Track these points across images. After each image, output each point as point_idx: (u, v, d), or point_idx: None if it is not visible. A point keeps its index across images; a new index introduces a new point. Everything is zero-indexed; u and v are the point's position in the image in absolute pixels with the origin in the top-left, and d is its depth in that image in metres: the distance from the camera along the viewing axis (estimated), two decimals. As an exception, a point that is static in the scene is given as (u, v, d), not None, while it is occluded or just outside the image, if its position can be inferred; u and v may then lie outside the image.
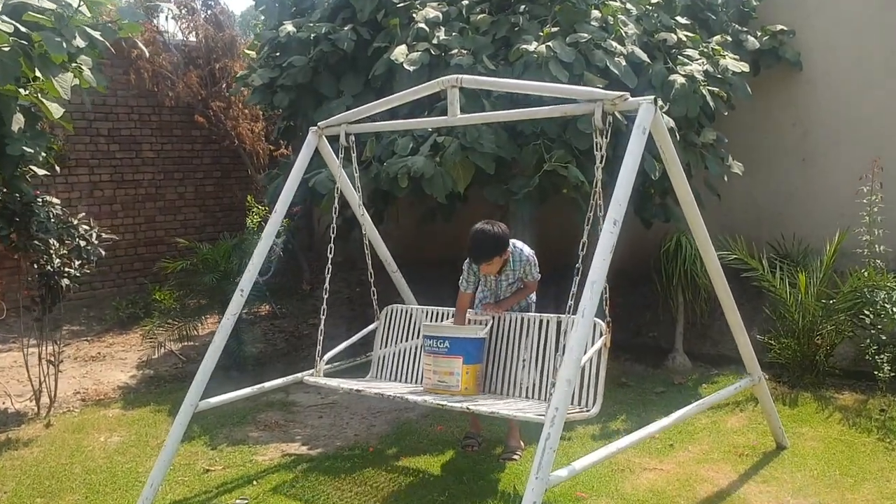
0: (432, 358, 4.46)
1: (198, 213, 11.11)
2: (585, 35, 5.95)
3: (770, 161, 7.81)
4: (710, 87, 6.31)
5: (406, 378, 5.04)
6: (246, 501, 4.33)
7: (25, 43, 4.75)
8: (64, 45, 4.74)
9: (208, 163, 11.20)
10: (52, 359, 6.17)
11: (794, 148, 7.70)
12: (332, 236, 5.05)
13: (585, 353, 4.00)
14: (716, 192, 6.91)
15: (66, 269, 5.98)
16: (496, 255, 4.61)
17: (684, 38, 6.71)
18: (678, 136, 6.00)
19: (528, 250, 4.82)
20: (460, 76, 4.23)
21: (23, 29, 4.67)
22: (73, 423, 5.89)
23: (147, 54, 6.33)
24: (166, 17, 10.56)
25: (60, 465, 5.01)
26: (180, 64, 10.15)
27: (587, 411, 4.00)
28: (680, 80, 6.20)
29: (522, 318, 4.65)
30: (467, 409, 3.87)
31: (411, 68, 6.07)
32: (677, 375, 6.54)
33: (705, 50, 6.72)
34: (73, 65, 5.61)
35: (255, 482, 4.64)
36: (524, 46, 5.86)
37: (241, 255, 7.29)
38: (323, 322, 4.85)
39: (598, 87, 5.66)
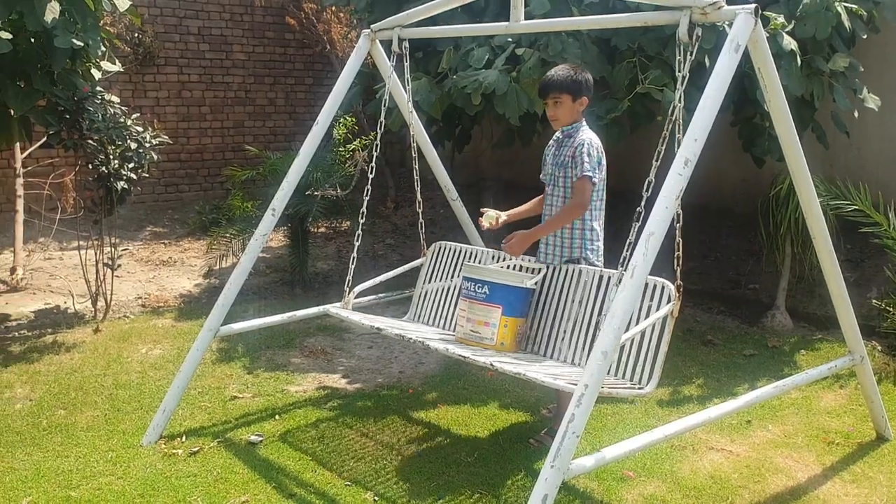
0: (468, 304, 3.84)
1: (288, 121, 10.79)
2: (698, -67, 5.03)
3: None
4: (847, 4, 5.28)
5: (447, 322, 4.43)
6: (260, 439, 4.00)
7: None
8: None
9: (300, 68, 10.80)
10: (109, 262, 6.02)
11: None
12: (376, 154, 4.54)
13: (647, 318, 3.38)
14: (844, 130, 5.92)
15: (122, 172, 5.73)
16: (566, 90, 3.77)
17: (824, -56, 5.63)
18: (799, 61, 5.06)
19: (593, 135, 3.87)
20: (526, -27, 3.55)
21: None
22: (122, 331, 5.75)
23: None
24: None
25: (93, 376, 4.86)
26: (274, -39, 9.68)
27: (639, 389, 3.36)
28: (811, -7, 5.20)
29: (579, 271, 3.87)
30: (491, 365, 3.30)
31: (495, -32, 5.36)
32: (773, 337, 5.74)
33: (849, -42, 5.63)
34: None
35: (277, 416, 4.32)
36: (622, -55, 5.01)
37: (314, 167, 6.91)
38: (356, 249, 4.39)
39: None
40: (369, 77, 6.69)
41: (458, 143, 7.58)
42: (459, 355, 3.42)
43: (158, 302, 6.56)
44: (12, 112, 5.45)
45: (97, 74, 5.81)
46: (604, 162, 3.85)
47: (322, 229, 8.63)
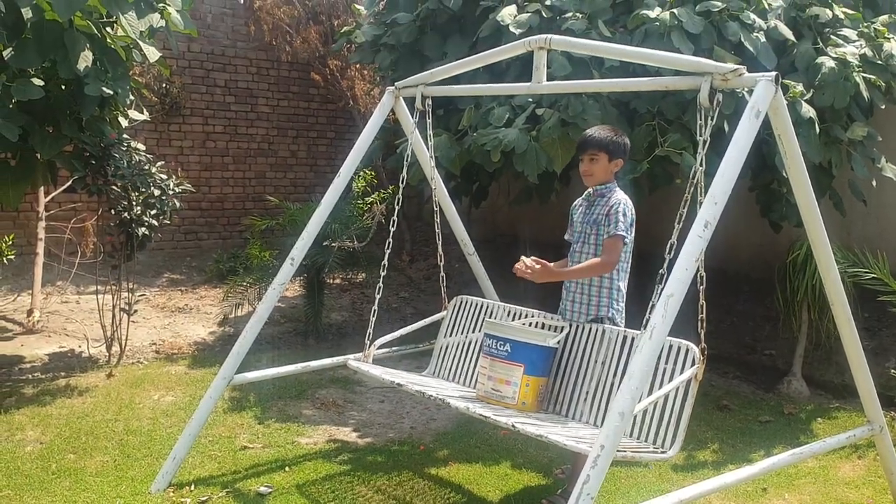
0: (489, 361, 3.83)
1: (308, 174, 10.94)
2: (719, 4, 5.14)
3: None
4: (865, 75, 5.34)
5: (467, 378, 4.40)
6: (269, 490, 3.96)
7: (97, -23, 4.50)
8: (132, -20, 4.44)
9: (323, 122, 11.00)
10: (126, 307, 6.06)
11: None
12: (397, 208, 4.59)
13: (671, 381, 3.37)
14: (861, 198, 5.93)
15: (144, 219, 5.80)
16: (604, 149, 3.82)
17: (841, 16, 5.73)
18: (818, 129, 5.11)
19: (626, 197, 3.89)
20: (550, 36, 3.64)
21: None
22: (135, 377, 5.75)
23: None
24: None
25: (104, 421, 4.85)
26: (301, 18, 9.92)
27: (661, 452, 3.32)
28: (829, 63, 5.27)
29: (602, 331, 3.87)
30: (512, 426, 3.28)
31: (517, 31, 5.47)
32: (790, 404, 5.67)
33: (866, 31, 5.71)
34: (161, 6, 5.37)
35: (287, 468, 4.28)
36: (645, 12, 5.13)
37: (332, 218, 6.98)
38: (376, 302, 4.40)
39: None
40: (390, 132, 6.79)
41: (475, 198, 7.65)
42: (481, 415, 3.40)
43: (173, 349, 6.57)
44: (39, 156, 5.56)
45: (124, 122, 5.94)
46: (634, 224, 3.87)
47: (337, 281, 8.66)
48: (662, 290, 2.82)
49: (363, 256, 7.95)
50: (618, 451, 2.77)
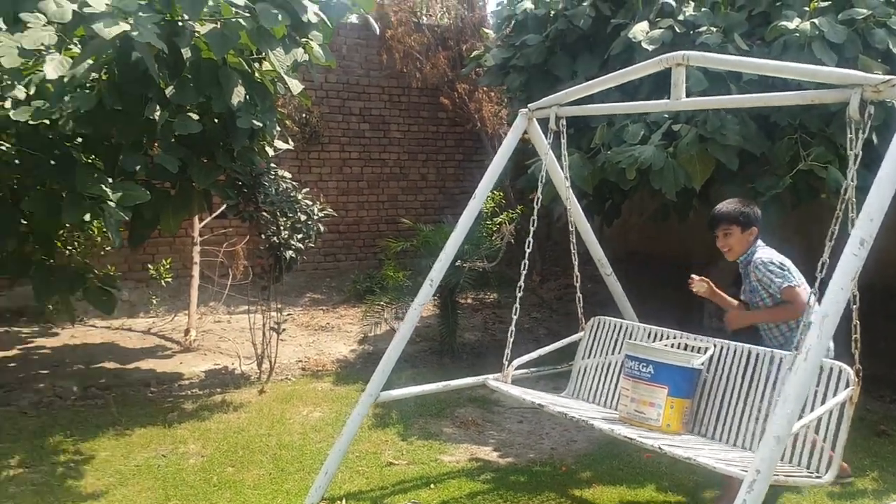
0: (632, 383, 3.84)
1: (438, 195, 11.17)
2: (863, 11, 4.92)
3: None
4: None
5: (608, 399, 4.40)
6: (416, 506, 4.08)
7: (248, 15, 4.80)
8: (280, 17, 4.72)
9: (451, 145, 11.21)
10: (275, 327, 6.39)
11: None
12: (532, 229, 4.62)
13: (823, 404, 3.26)
14: None
15: (291, 242, 6.12)
16: (734, 222, 3.97)
17: None
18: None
19: (766, 253, 3.93)
20: (687, 53, 3.61)
21: (244, 2, 4.70)
22: (284, 393, 6.04)
23: (377, 30, 6.28)
24: (421, -1, 10.66)
25: (258, 436, 5.12)
26: (431, 45, 10.18)
27: (816, 477, 3.21)
28: None
29: (749, 352, 3.82)
30: (659, 448, 3.25)
31: (650, 47, 5.44)
32: (957, 429, 5.30)
33: None
34: (304, 40, 5.65)
35: (433, 485, 4.38)
36: (783, 23, 4.97)
37: (463, 239, 7.10)
38: (514, 322, 4.46)
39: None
40: (519, 152, 6.86)
41: (607, 217, 7.59)
42: (626, 437, 3.40)
43: (317, 366, 6.86)
44: (196, 186, 5.97)
45: (271, 152, 6.29)
46: (786, 266, 3.90)
47: (469, 300, 8.79)
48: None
49: (493, 276, 8.04)
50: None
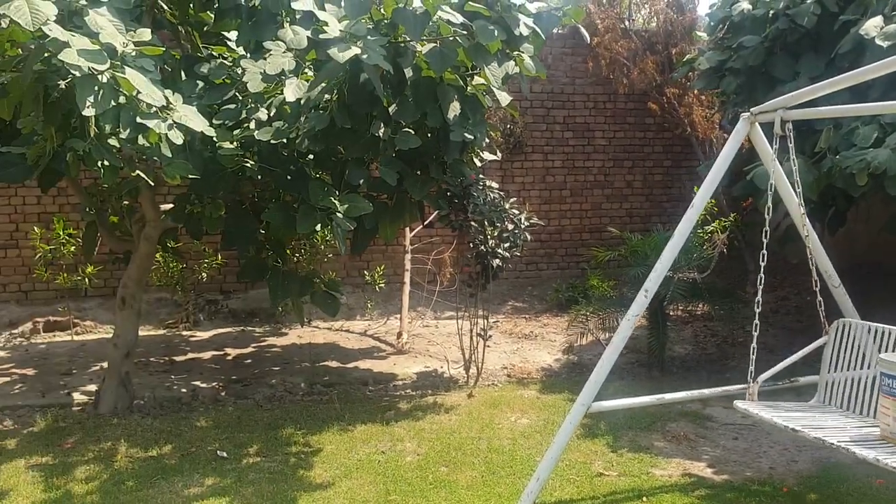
0: (891, 401, 3.65)
1: (644, 203, 10.93)
2: None
3: None
4: None
5: (861, 408, 4.22)
6: (629, 518, 4.02)
7: (465, 33, 4.98)
8: (496, 33, 4.84)
9: (659, 151, 10.94)
10: (482, 333, 6.54)
11: None
12: (765, 241, 4.39)
13: None
14: None
15: (498, 251, 6.25)
16: None
17: None
18: None
19: None
20: (938, 47, 3.30)
21: (461, 20, 4.87)
22: (492, 398, 6.18)
23: (587, 38, 6.25)
24: (628, 4, 10.49)
25: (469, 438, 5.27)
26: (638, 50, 10.00)
27: None
28: None
29: None
30: None
31: (885, 43, 5.06)
32: None
33: None
34: (515, 53, 5.76)
35: (644, 498, 4.31)
36: None
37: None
38: (755, 339, 4.27)
39: None
40: (735, 158, 6.58)
41: (830, 225, 7.09)
42: (893, 468, 3.25)
43: (522, 373, 6.94)
44: (411, 197, 6.25)
45: (478, 163, 6.47)
46: None
47: (678, 312, 8.52)
48: None
49: (704, 288, 7.73)
50: None
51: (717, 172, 4.32)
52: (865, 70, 3.69)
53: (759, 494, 4.36)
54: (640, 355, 7.29)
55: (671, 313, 7.96)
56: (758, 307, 4.31)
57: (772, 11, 6.16)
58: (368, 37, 4.65)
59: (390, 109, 5.26)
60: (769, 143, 4.35)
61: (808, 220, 4.71)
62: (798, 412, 4.21)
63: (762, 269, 4.29)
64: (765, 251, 4.33)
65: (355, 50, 4.49)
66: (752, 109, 4.40)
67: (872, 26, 5.22)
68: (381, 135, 5.21)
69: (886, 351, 4.16)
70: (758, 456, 4.97)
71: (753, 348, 4.28)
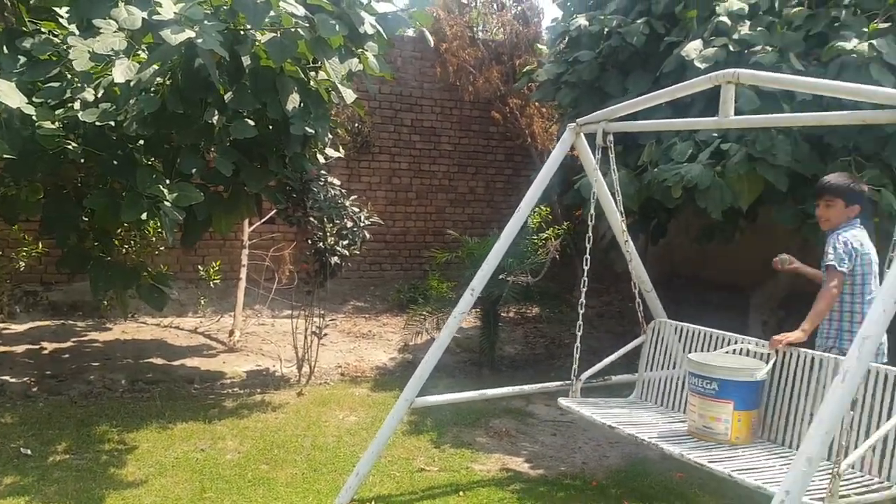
0: (698, 399, 3.93)
1: (485, 209, 11.21)
2: (925, 32, 4.85)
3: None
4: None
5: (674, 404, 4.53)
6: (445, 512, 4.10)
7: (307, 25, 4.93)
8: (338, 27, 4.83)
9: (501, 159, 11.26)
10: (317, 331, 6.48)
11: None
12: (588, 247, 4.62)
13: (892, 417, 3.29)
14: None
15: (337, 248, 6.21)
16: (841, 195, 3.97)
17: None
18: None
19: (852, 233, 3.93)
20: (738, 70, 3.60)
21: (304, 12, 4.83)
22: (322, 396, 6.13)
23: (432, 43, 6.39)
24: (477, 13, 10.74)
25: (294, 436, 5.20)
26: (485, 59, 10.26)
27: (887, 487, 3.21)
28: None
29: (813, 357, 3.86)
30: (730, 476, 3.34)
31: (703, 65, 5.41)
32: None
33: None
34: (360, 51, 5.76)
35: (461, 492, 4.40)
36: (840, 44, 4.92)
37: (507, 253, 7.11)
38: (578, 339, 4.50)
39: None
40: (567, 168, 6.87)
41: (652, 236, 7.55)
42: (696, 462, 3.51)
43: (356, 372, 6.93)
44: (248, 190, 6.10)
45: (322, 159, 6.41)
46: (861, 255, 3.91)
47: (511, 314, 8.79)
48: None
49: (537, 291, 8.02)
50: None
51: (542, 180, 4.50)
52: (677, 88, 3.95)
53: (569, 488, 4.56)
54: (472, 355, 7.46)
55: (504, 315, 8.21)
56: (581, 309, 4.53)
57: (606, 29, 6.47)
58: (206, 21, 4.51)
59: (227, 97, 5.12)
60: (593, 154, 4.57)
61: (627, 229, 4.99)
62: (615, 408, 4.45)
63: (585, 274, 4.50)
64: (587, 256, 4.55)
65: (189, 33, 4.34)
66: (577, 120, 4.61)
67: (693, 49, 5.59)
68: (215, 122, 5.04)
69: (696, 350, 4.48)
70: (573, 451, 5.20)
71: (577, 348, 4.52)
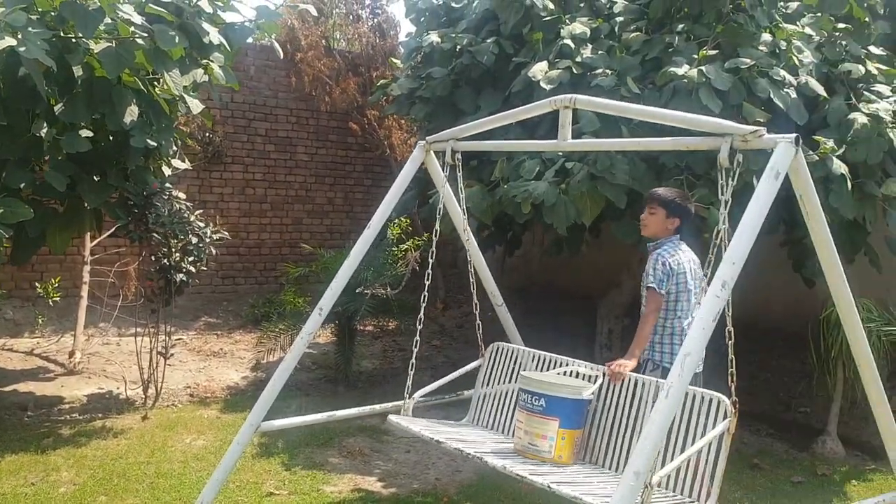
0: (525, 415, 3.94)
1: (345, 220, 11.12)
2: (747, 60, 5.20)
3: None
4: (900, 130, 5.32)
5: (506, 427, 4.49)
6: (293, 538, 4.01)
7: (146, 35, 4.72)
8: (177, 39, 4.65)
9: (360, 170, 11.21)
10: (163, 351, 6.20)
11: None
12: (431, 261, 4.66)
13: (704, 436, 3.40)
14: (897, 254, 5.86)
15: (182, 265, 5.97)
16: (663, 205, 4.20)
17: (875, 72, 5.74)
18: (850, 185, 5.09)
19: (671, 253, 4.14)
20: (574, 96, 3.74)
21: (140, 21, 4.62)
22: (169, 420, 5.86)
23: (280, 53, 6.28)
24: (333, 24, 10.66)
25: (137, 463, 4.94)
26: (341, 70, 10.19)
27: None
28: (861, 119, 5.27)
29: (636, 381, 3.95)
30: (548, 487, 3.37)
31: (548, 87, 5.57)
32: (823, 464, 5.56)
33: (901, 86, 5.72)
34: (205, 62, 5.58)
35: (312, 516, 4.33)
36: (672, 69, 5.20)
37: (365, 265, 7.07)
38: (414, 355, 4.50)
39: (759, 121, 4.97)
40: (424, 182, 6.92)
41: (508, 247, 7.72)
42: (517, 474, 3.51)
43: (206, 392, 6.69)
44: (86, 204, 5.77)
45: (168, 171, 6.16)
46: (677, 274, 4.12)
47: (369, 327, 8.75)
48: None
49: (395, 304, 8.02)
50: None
51: (393, 196, 4.51)
52: (519, 111, 4.08)
53: (421, 506, 4.58)
54: (328, 371, 7.36)
55: (362, 328, 8.14)
56: (420, 325, 4.56)
57: (458, 46, 6.56)
58: (29, 28, 4.23)
59: (57, 108, 4.82)
60: (442, 170, 4.62)
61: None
62: (447, 427, 4.43)
63: (426, 288, 4.53)
64: (430, 271, 4.60)
65: (10, 41, 4.06)
66: (427, 139, 4.65)
67: (539, 70, 5.75)
68: (43, 135, 4.73)
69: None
70: (426, 468, 5.22)
71: (412, 364, 4.50)
